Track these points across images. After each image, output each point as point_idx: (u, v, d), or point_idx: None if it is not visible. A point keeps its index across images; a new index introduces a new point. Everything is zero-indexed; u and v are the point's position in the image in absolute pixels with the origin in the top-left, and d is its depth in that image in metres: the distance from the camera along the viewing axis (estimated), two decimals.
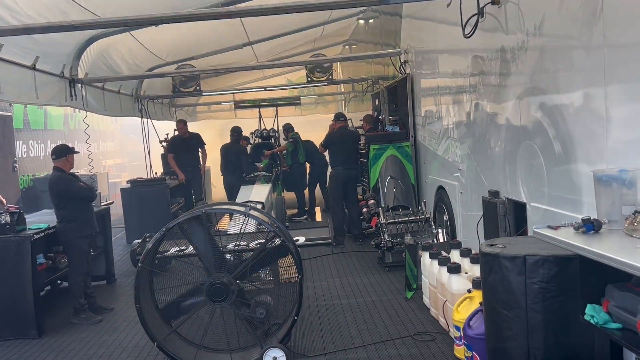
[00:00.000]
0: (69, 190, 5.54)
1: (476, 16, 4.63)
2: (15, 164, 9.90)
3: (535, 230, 2.79)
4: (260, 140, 11.63)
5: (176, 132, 10.73)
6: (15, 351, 4.90)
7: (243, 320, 4.12)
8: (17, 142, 10.24)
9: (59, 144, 6.44)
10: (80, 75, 7.51)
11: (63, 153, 5.64)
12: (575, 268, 2.64)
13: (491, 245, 3.04)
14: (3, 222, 5.20)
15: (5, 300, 5.17)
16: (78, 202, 5.60)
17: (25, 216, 5.71)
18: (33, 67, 6.26)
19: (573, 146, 3.41)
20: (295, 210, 11.25)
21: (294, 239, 4.86)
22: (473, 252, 4.62)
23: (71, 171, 5.74)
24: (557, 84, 3.62)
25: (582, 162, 3.32)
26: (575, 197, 3.39)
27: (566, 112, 3.50)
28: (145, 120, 10.67)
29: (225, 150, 10.14)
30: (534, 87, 3.93)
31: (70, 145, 6.13)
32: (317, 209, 11.72)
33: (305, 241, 8.44)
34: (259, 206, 6.15)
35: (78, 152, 6.03)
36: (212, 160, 11.60)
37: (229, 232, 4.86)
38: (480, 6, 4.57)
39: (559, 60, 3.59)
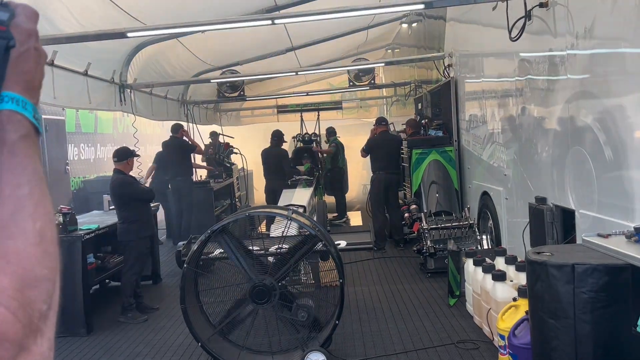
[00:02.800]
0: (131, 192, 5.74)
1: (523, 19, 4.54)
2: (67, 166, 10.29)
3: (585, 238, 2.72)
4: (302, 144, 11.72)
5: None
6: (65, 347, 5.08)
7: (285, 323, 4.16)
8: (69, 145, 10.62)
9: (121, 146, 6.58)
10: (130, 80, 7.75)
11: (125, 156, 5.85)
12: (626, 278, 2.56)
13: (538, 252, 2.98)
14: (56, 222, 5.39)
15: None
16: (139, 203, 5.80)
17: (76, 217, 5.92)
18: (85, 73, 6.50)
19: (625, 152, 3.30)
20: (335, 214, 11.32)
21: (336, 243, 4.87)
22: (519, 259, 4.52)
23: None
24: (608, 88, 3.51)
25: (634, 168, 3.21)
26: (627, 204, 3.28)
27: (618, 117, 3.40)
28: (190, 124, 10.90)
29: (266, 154, 10.17)
30: (583, 91, 3.83)
31: (131, 148, 6.27)
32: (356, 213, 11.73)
33: (346, 245, 8.46)
34: (300, 210, 6.19)
35: (139, 156, 6.20)
36: (255, 163, 11.76)
37: (271, 235, 4.92)
38: (528, 9, 4.48)
39: (611, 63, 3.49)
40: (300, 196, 7.62)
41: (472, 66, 6.85)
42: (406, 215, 7.32)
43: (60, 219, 5.44)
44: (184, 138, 9.57)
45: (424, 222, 6.67)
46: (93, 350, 4.96)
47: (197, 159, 10.67)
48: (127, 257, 5.84)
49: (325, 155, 11.45)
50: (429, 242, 6.49)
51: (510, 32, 4.70)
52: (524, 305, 3.55)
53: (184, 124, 10.86)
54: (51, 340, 0.57)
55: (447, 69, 7.83)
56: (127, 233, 5.74)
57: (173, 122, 9.87)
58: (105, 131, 12.66)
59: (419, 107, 9.65)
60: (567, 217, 4.18)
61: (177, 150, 9.29)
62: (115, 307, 5.91)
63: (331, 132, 11.99)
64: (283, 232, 4.26)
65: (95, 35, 5.35)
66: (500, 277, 4.29)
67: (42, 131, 0.65)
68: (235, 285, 4.25)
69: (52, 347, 0.57)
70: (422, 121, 8.77)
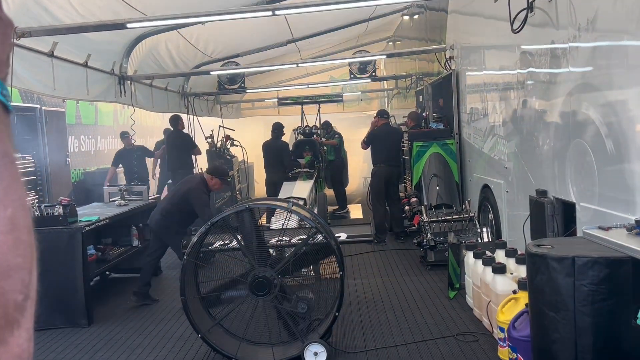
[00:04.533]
0: (195, 204, 5.62)
1: (525, 11, 4.52)
2: (67, 158, 10.27)
3: (585, 230, 2.72)
4: (302, 137, 11.71)
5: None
6: (66, 339, 5.09)
7: (285, 315, 4.16)
8: (70, 137, 10.60)
9: (220, 163, 6.52)
10: (130, 72, 7.73)
11: (212, 172, 5.90)
12: (627, 270, 2.55)
13: (538, 245, 2.97)
14: (56, 214, 5.41)
15: (57, 289, 5.37)
16: (192, 217, 5.77)
17: (77, 209, 5.91)
18: (85, 65, 6.48)
19: (626, 144, 3.29)
20: (336, 207, 11.37)
21: (336, 235, 4.87)
22: (519, 252, 4.52)
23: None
24: (610, 81, 3.50)
25: (635, 161, 3.20)
26: (627, 197, 3.28)
27: (620, 110, 3.38)
28: (191, 116, 10.88)
29: (267, 147, 10.14)
30: (585, 83, 3.81)
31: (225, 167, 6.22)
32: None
33: (346, 238, 8.46)
34: (301, 202, 6.18)
35: (228, 179, 6.10)
36: (256, 156, 11.76)
37: (271, 228, 4.92)
38: (530, 1, 4.46)
39: (613, 56, 3.47)
40: (301, 189, 7.63)
41: (474, 58, 6.83)
42: (406, 208, 7.32)
43: (61, 210, 5.44)
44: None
45: (425, 214, 6.67)
46: (94, 342, 4.98)
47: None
48: (170, 242, 5.78)
49: (326, 147, 11.47)
50: (429, 234, 6.49)
51: (512, 24, 4.68)
52: (523, 297, 3.55)
53: (184, 116, 10.85)
54: (30, 331, 0.55)
55: (449, 61, 7.80)
56: (165, 228, 5.72)
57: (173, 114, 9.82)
58: (105, 123, 12.64)
59: (420, 99, 9.63)
60: (567, 210, 4.18)
61: (180, 143, 9.25)
62: (116, 298, 5.93)
63: (329, 125, 12.07)
64: (283, 224, 4.25)
65: (94, 25, 5.33)
66: (500, 269, 4.29)
67: (11, 109, 0.58)
68: (236, 277, 4.26)
69: (30, 338, 0.55)
70: (423, 114, 8.76)
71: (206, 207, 5.70)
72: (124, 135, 9.84)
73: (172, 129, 9.59)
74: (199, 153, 9.80)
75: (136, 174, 9.68)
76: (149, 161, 10.32)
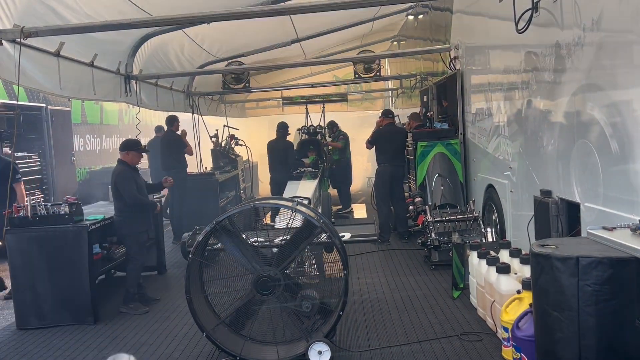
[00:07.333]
0: (120, 186, 5.66)
1: (530, 11, 4.52)
2: (72, 157, 10.33)
3: (590, 231, 2.72)
4: (306, 137, 11.74)
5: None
6: (72, 336, 5.12)
7: (289, 314, 4.18)
8: (75, 136, 10.67)
9: (130, 137, 6.57)
10: (135, 71, 7.76)
11: (124, 147, 5.86)
12: (631, 271, 2.56)
13: (542, 245, 2.98)
14: (62, 212, 5.44)
15: (64, 287, 5.41)
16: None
17: (82, 207, 5.94)
18: (91, 64, 6.51)
19: (631, 145, 3.29)
20: (339, 206, 11.38)
21: (340, 234, 4.88)
22: (523, 252, 4.52)
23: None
24: (615, 81, 3.50)
25: None
26: (632, 197, 3.28)
27: (624, 110, 3.38)
28: (195, 116, 10.90)
29: (272, 146, 10.14)
30: (590, 83, 3.81)
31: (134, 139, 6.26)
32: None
33: (350, 237, 8.48)
34: (305, 202, 6.20)
35: (145, 150, 6.09)
36: (260, 155, 11.78)
37: (276, 227, 4.93)
38: (535, 1, 4.46)
39: (618, 56, 3.47)
40: (305, 188, 7.64)
41: (479, 58, 6.82)
42: (411, 207, 7.33)
43: (67, 209, 5.48)
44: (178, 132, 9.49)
45: (429, 214, 6.68)
46: (99, 340, 5.01)
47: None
48: (128, 247, 5.86)
49: (331, 148, 11.49)
50: (433, 234, 6.49)
51: (516, 24, 4.68)
52: (527, 297, 3.56)
53: (189, 115, 10.88)
54: None
55: (453, 61, 7.80)
56: (122, 227, 5.75)
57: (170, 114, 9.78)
58: (110, 122, 12.70)
59: (425, 99, 9.63)
60: (572, 210, 4.18)
61: (171, 143, 9.20)
62: (120, 297, 5.94)
63: (334, 125, 12.07)
64: (288, 223, 4.27)
65: (100, 25, 5.35)
66: (504, 269, 4.30)
67: None
68: (240, 276, 4.28)
69: None
70: (427, 113, 8.75)
71: (127, 183, 5.64)
72: None
73: (165, 128, 9.51)
74: (191, 153, 9.59)
75: None
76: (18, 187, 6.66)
